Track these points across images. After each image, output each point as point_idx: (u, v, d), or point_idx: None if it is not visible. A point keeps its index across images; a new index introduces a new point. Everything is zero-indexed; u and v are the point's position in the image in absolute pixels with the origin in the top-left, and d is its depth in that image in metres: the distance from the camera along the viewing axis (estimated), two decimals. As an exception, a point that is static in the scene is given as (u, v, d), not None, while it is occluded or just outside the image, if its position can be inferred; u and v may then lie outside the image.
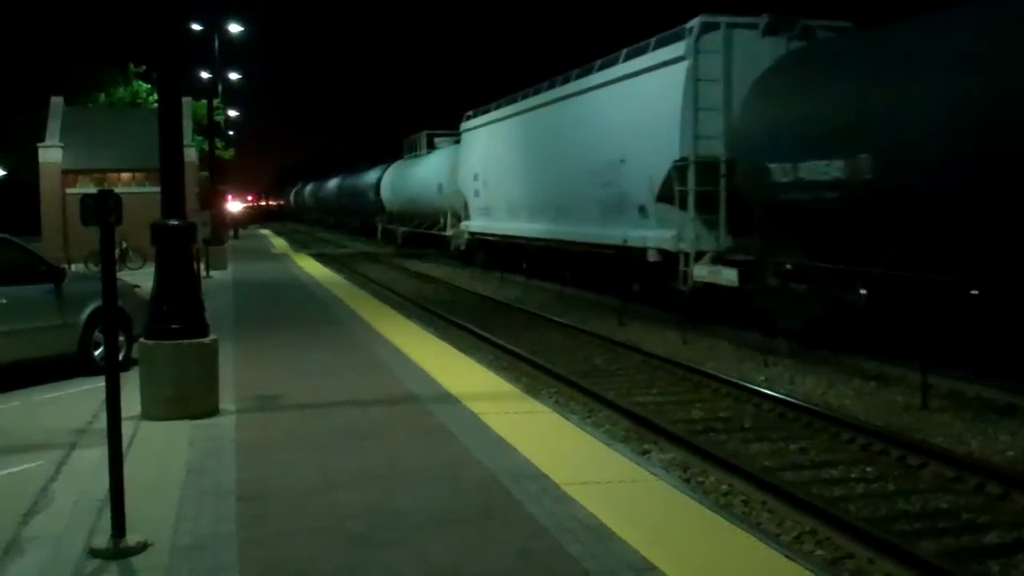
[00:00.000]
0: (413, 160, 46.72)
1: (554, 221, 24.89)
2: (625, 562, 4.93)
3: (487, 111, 32.37)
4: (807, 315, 14.81)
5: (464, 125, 35.35)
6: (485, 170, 31.69)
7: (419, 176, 43.17)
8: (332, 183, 78.66)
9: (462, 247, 35.45)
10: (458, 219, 36.17)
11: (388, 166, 53.20)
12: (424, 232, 43.30)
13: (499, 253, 31.07)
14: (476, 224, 33.19)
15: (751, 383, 12.48)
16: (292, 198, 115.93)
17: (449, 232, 37.74)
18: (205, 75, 43.02)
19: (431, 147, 44.59)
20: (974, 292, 11.88)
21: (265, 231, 77.19)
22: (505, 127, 29.63)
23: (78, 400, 10.22)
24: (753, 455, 9.46)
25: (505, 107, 30.14)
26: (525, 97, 28.25)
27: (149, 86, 49.12)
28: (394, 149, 71.67)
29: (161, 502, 6.02)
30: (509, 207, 29.02)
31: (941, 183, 11.79)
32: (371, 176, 57.93)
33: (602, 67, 22.24)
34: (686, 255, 17.65)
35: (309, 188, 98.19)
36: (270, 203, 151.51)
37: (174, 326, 8.48)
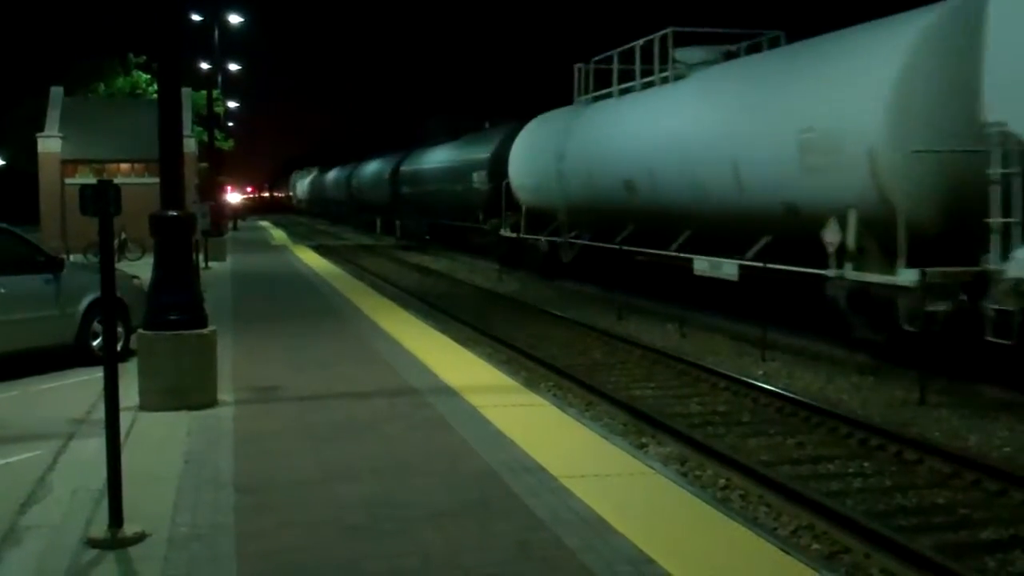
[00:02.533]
0: (644, 96, 20.88)
1: None
2: (622, 555, 4.93)
3: None
4: None
5: None
6: None
7: (682, 131, 18.29)
8: (375, 167, 56.24)
9: None
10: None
11: (518, 128, 28.89)
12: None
13: None
14: None
15: (749, 377, 12.48)
16: (303, 189, 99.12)
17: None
18: (205, 66, 43.04)
19: (661, 68, 20.11)
20: None
21: (265, 223, 77.12)
22: None
23: (76, 390, 10.23)
24: (751, 449, 9.47)
25: None
26: None
27: (149, 76, 49.07)
28: (403, 137, 64.54)
29: (159, 493, 6.02)
30: None
31: None
32: (477, 150, 34.20)
33: None
34: None
35: (328, 177, 79.10)
36: (276, 195, 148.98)
37: (173, 317, 8.48)
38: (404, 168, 46.72)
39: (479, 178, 32.46)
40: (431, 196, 40.67)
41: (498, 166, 30.11)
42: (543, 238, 25.78)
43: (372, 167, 57.89)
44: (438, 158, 40.33)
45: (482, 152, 33.17)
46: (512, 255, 28.37)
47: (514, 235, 27.87)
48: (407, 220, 47.10)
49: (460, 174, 35.16)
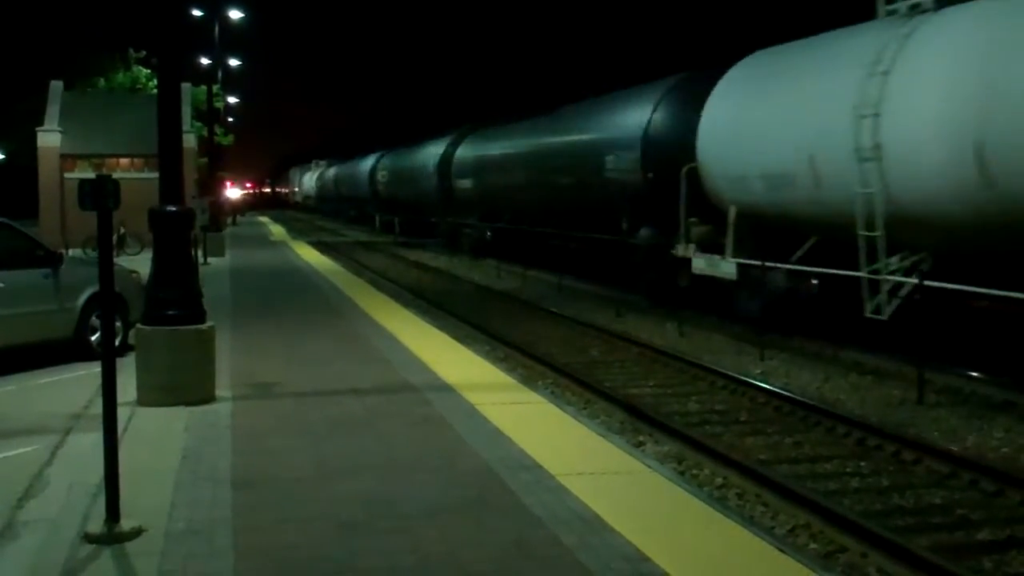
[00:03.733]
0: None
1: None
2: (619, 553, 4.93)
3: None
4: None
5: None
6: None
7: None
8: (415, 155, 44.12)
9: None
10: None
11: (687, 83, 19.67)
12: None
13: None
14: None
15: (748, 376, 12.48)
16: (309, 185, 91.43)
17: None
18: (205, 61, 43.03)
19: None
20: None
21: (264, 219, 77.06)
22: None
23: (74, 385, 10.23)
24: (748, 448, 9.47)
25: None
26: None
27: (149, 71, 49.02)
28: (401, 136, 62.86)
29: (156, 488, 6.02)
30: None
31: None
32: (612, 123, 22.04)
33: None
34: None
35: (343, 170, 69.39)
36: (277, 190, 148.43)
37: (171, 312, 8.48)
38: (461, 155, 34.98)
39: (622, 164, 20.76)
40: (511, 192, 29.32)
41: (657, 147, 19.43)
42: (785, 266, 14.76)
43: (410, 156, 45.25)
44: (526, 140, 28.48)
45: (626, 125, 20.95)
46: (694, 290, 17.38)
47: (710, 258, 16.76)
48: (463, 223, 35.18)
49: (576, 160, 23.48)
